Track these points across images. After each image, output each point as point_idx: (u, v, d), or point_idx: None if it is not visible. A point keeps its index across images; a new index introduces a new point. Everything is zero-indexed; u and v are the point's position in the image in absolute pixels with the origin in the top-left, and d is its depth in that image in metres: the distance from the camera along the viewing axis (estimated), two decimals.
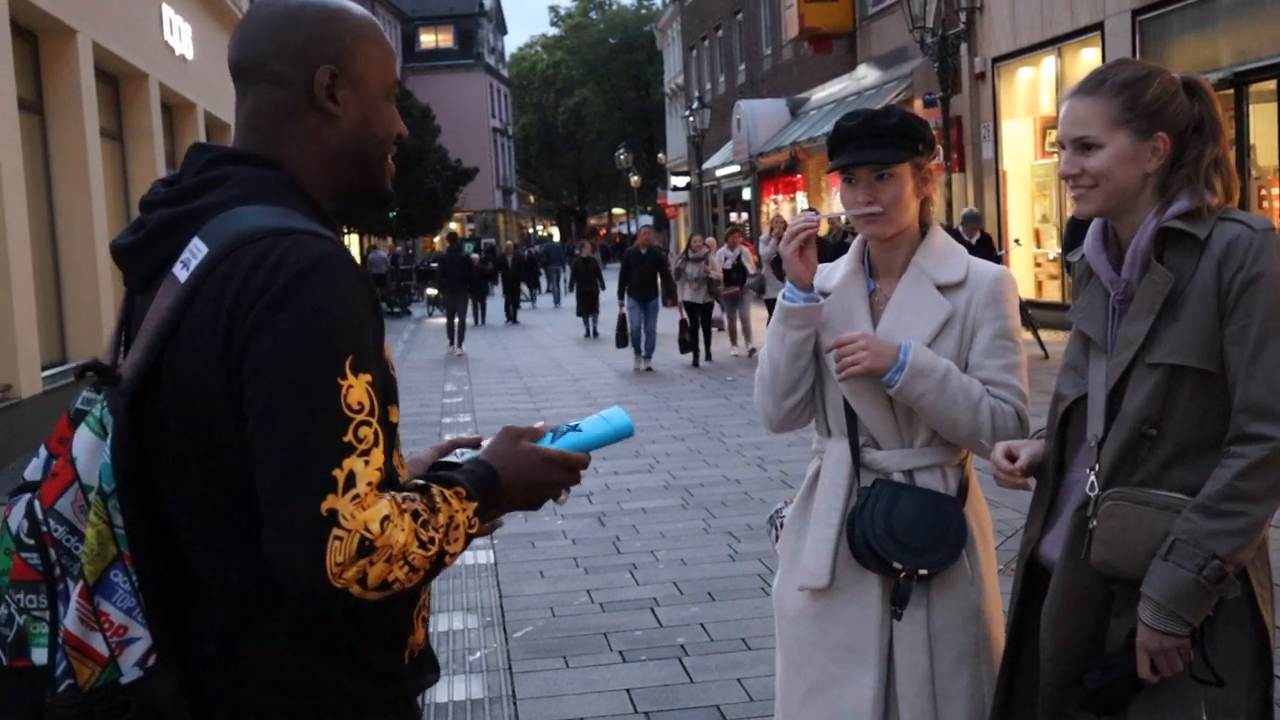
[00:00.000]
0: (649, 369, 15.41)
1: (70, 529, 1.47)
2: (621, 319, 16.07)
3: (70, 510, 1.48)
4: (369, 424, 1.42)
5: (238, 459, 1.44)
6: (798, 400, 2.65)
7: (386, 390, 1.51)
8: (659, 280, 15.90)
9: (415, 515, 1.44)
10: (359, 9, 1.65)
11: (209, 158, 1.57)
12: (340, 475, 1.38)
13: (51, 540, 1.47)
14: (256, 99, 1.60)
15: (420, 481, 1.53)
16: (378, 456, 1.42)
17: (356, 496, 1.39)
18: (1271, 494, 2.02)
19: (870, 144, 2.52)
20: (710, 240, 17.02)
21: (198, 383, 1.46)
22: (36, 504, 1.49)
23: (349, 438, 1.40)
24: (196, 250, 1.47)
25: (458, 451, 1.80)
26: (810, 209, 2.85)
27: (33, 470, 1.55)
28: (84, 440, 1.49)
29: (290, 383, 1.40)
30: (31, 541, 1.48)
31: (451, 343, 19.25)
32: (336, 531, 1.37)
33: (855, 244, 2.69)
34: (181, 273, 1.48)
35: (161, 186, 1.60)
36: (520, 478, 1.62)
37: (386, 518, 1.40)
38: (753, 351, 15.71)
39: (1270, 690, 2.15)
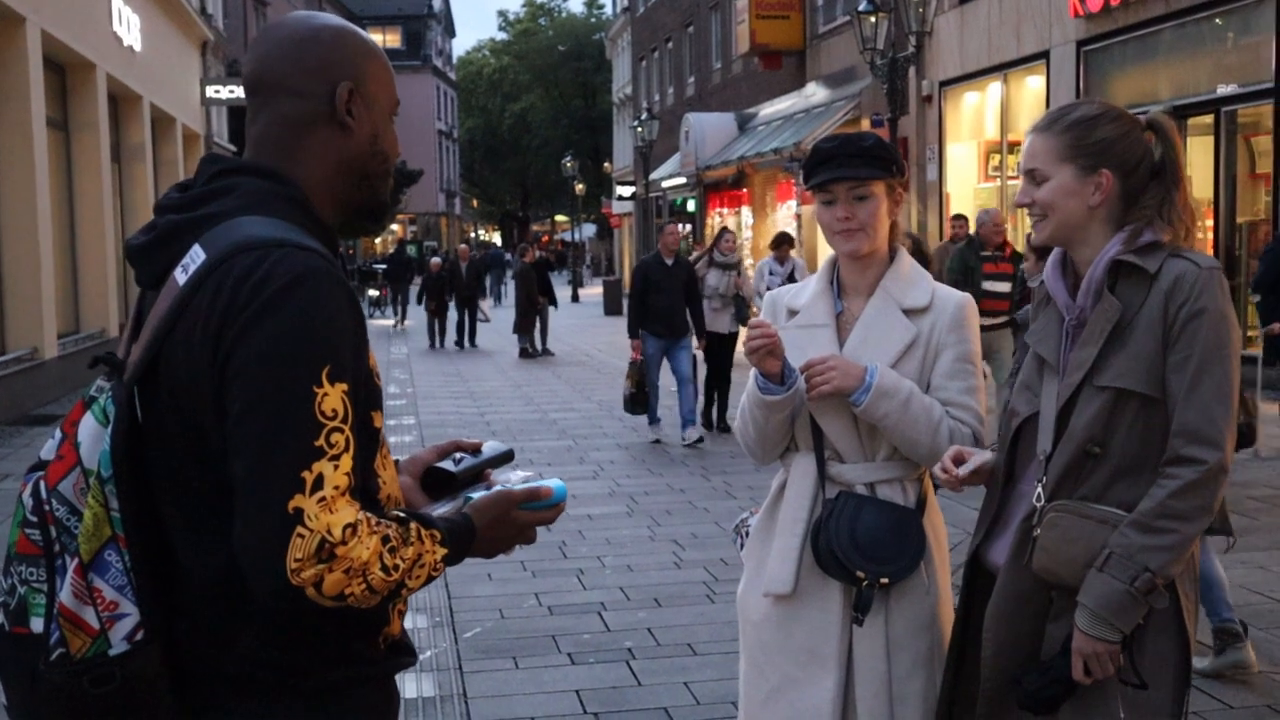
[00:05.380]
0: (656, 440, 10.39)
1: (70, 509, 1.57)
2: (640, 369, 10.40)
3: (71, 491, 1.57)
4: (341, 431, 1.50)
5: (222, 456, 1.53)
6: (785, 444, 2.76)
7: (370, 398, 1.61)
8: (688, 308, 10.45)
9: (385, 540, 1.52)
10: (365, 33, 1.77)
11: (218, 169, 1.67)
12: (309, 477, 1.46)
13: (53, 519, 1.57)
14: (275, 112, 1.69)
15: (403, 514, 1.60)
16: (347, 462, 1.50)
17: (323, 499, 1.46)
18: (1201, 513, 2.15)
19: (849, 163, 2.62)
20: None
21: (189, 382, 1.55)
22: (41, 484, 1.59)
23: (320, 442, 1.48)
24: (195, 256, 1.56)
25: (456, 456, 1.88)
26: (760, 319, 2.46)
27: (48, 450, 1.64)
28: (88, 427, 1.59)
29: (268, 386, 1.48)
30: (35, 519, 1.58)
31: (397, 323, 25.79)
32: (300, 529, 1.45)
33: (824, 264, 2.81)
34: (181, 276, 1.57)
35: (176, 192, 1.68)
36: (493, 544, 1.72)
37: (350, 526, 1.47)
38: None
39: (1187, 695, 2.29)
